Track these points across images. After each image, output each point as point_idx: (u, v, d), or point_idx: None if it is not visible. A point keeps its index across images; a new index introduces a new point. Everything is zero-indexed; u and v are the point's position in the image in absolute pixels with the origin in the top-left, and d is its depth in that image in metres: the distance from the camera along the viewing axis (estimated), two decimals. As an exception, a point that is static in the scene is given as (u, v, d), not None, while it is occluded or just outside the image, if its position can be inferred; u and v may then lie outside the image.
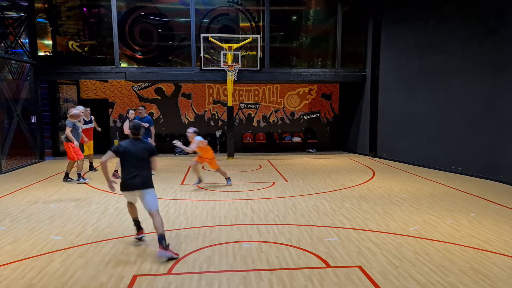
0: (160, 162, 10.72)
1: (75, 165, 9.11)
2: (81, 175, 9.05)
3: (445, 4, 10.22)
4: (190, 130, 8.27)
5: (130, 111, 9.42)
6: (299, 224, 5.90)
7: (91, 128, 10.32)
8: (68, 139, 8.78)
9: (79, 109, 9.15)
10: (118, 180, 5.00)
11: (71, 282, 4.04)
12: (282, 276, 4.15)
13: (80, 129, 9.20)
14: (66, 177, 9.13)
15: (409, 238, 5.29)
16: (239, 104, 14.89)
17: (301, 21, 14.30)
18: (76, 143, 8.80)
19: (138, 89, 14.45)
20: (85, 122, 9.97)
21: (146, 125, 9.49)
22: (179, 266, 4.41)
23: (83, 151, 9.75)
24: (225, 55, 12.10)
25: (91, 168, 10.54)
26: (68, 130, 8.72)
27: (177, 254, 4.64)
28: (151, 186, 4.87)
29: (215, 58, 13.14)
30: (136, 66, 13.48)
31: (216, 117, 14.89)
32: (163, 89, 14.57)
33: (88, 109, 10.22)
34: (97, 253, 4.80)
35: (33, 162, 11.92)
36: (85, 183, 8.93)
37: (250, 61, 13.65)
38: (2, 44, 11.11)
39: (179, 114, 14.64)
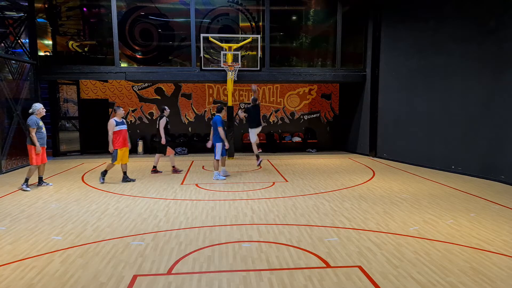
0: (160, 162, 10.72)
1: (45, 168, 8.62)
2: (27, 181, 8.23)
3: (445, 4, 10.22)
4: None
5: (166, 108, 10.04)
6: (299, 224, 5.90)
7: (124, 131, 8.82)
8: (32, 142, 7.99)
9: (36, 107, 8.11)
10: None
11: (71, 282, 4.04)
12: (282, 276, 4.15)
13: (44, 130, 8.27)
14: (25, 182, 8.25)
15: (409, 238, 5.29)
16: (239, 104, 14.89)
17: (301, 21, 14.31)
18: (38, 148, 7.99)
19: (138, 89, 14.45)
20: (118, 124, 8.73)
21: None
22: (179, 266, 4.41)
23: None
24: (225, 55, 12.09)
25: (127, 179, 9.10)
26: (32, 131, 7.92)
27: None
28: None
29: (215, 58, 13.14)
30: (136, 66, 13.49)
31: (216, 117, 14.88)
32: (163, 89, 14.57)
33: (121, 109, 8.92)
34: (97, 253, 4.79)
35: (33, 162, 11.90)
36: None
37: (250, 61, 13.65)
38: (2, 44, 11.11)
39: (179, 114, 14.64)
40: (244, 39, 12.57)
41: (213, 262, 4.53)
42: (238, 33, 13.54)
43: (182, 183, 8.93)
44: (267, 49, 13.19)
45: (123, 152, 8.79)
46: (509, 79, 8.64)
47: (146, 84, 14.38)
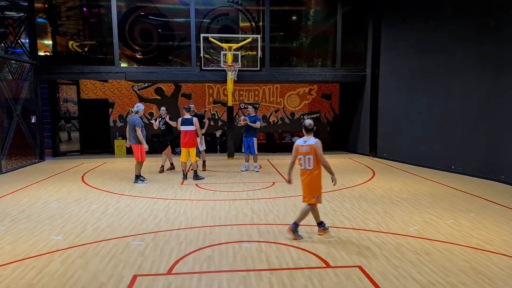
0: (160, 162, 10.71)
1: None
2: (139, 177, 9.03)
3: (445, 4, 10.22)
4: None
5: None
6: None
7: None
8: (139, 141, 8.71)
9: (141, 107, 8.95)
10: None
11: (71, 282, 4.04)
12: (282, 276, 4.15)
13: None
14: (137, 178, 9.03)
15: (409, 238, 5.29)
16: (239, 104, 14.89)
17: (301, 21, 14.30)
18: (145, 145, 8.75)
19: (138, 89, 14.45)
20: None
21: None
22: (179, 266, 4.41)
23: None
24: (225, 55, 12.09)
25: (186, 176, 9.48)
26: (139, 131, 8.62)
27: None
28: None
29: (215, 58, 13.14)
30: (136, 66, 13.48)
31: (216, 117, 14.89)
32: (163, 89, 14.57)
33: (192, 104, 10.11)
34: (97, 253, 4.79)
35: (33, 162, 11.92)
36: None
37: (250, 61, 13.64)
38: (2, 44, 11.11)
39: (179, 114, 14.62)
40: (244, 39, 12.57)
41: (213, 262, 4.53)
42: (238, 33, 13.54)
43: (182, 183, 8.93)
44: (267, 49, 13.19)
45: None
46: (509, 79, 8.64)
47: (146, 84, 14.38)
